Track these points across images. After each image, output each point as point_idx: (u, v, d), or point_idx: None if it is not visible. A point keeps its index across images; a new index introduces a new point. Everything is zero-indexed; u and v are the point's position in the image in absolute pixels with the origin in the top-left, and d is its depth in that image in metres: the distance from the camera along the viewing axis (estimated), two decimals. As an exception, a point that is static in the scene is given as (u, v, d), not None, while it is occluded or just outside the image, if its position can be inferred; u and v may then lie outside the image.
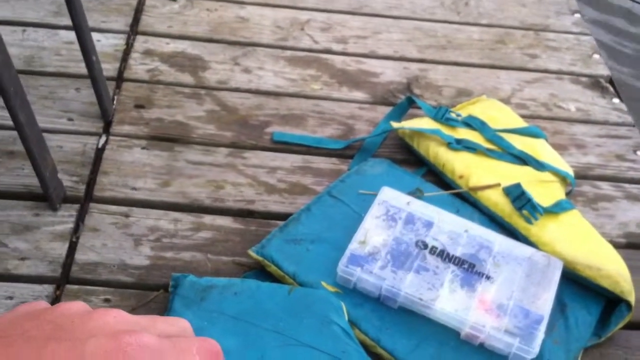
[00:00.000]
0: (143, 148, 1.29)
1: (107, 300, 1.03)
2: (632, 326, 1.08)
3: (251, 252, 1.09)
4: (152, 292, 1.05)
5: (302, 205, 1.20)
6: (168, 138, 1.32)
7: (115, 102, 1.38)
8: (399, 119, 1.40)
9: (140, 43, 1.53)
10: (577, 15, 1.79)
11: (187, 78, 1.47)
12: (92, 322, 0.39)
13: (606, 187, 1.32)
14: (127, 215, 1.16)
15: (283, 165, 1.29)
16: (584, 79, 1.59)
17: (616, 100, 1.52)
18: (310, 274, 1.06)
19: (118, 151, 1.27)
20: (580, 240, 1.14)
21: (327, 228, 1.14)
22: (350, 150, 1.34)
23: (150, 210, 1.18)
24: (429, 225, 1.13)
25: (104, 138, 1.30)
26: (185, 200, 1.21)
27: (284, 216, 1.19)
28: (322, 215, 1.17)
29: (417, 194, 1.20)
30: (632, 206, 1.28)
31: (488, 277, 1.06)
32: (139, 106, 1.38)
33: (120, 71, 1.45)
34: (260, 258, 1.08)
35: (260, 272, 1.09)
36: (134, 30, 1.56)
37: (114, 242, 1.12)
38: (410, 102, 1.42)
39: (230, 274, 1.09)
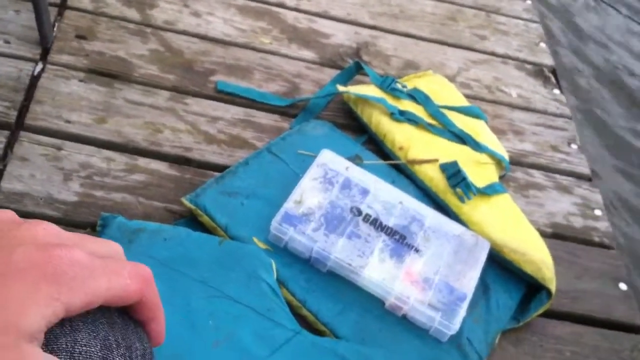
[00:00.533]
0: (81, 80, 1.24)
1: (29, 234, 0.99)
2: (549, 314, 1.11)
3: (184, 200, 1.07)
4: (78, 230, 1.01)
5: (240, 158, 1.18)
6: (108, 73, 1.27)
7: (55, 29, 1.32)
8: (345, 83, 1.39)
9: (87, -30, 1.46)
10: (529, 2, 1.82)
11: (133, 14, 1.41)
12: (21, 232, 0.37)
13: (538, 176, 1.35)
14: (59, 148, 1.12)
15: (224, 116, 1.27)
16: (528, 66, 1.62)
17: (557, 91, 1.56)
18: (242, 229, 1.05)
19: (54, 81, 1.22)
20: (509, 224, 1.16)
21: (263, 184, 1.13)
22: (293, 109, 1.33)
23: (83, 146, 1.14)
24: (365, 192, 1.13)
25: (40, 65, 1.24)
26: (121, 139, 1.17)
27: (221, 167, 1.17)
28: (259, 170, 1.15)
29: (356, 160, 1.20)
30: (561, 197, 1.32)
31: (417, 250, 1.07)
32: (80, 36, 1.32)
33: (64, -2, 1.39)
34: (193, 207, 1.06)
35: (192, 221, 1.07)
36: (81, -45, 1.48)
37: (42, 174, 1.07)
38: (358, 68, 1.41)
39: (161, 220, 1.06)
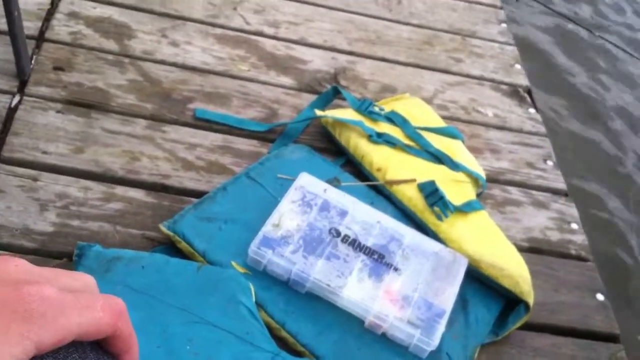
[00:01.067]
0: (58, 112, 1.25)
1: (6, 264, 0.99)
2: (528, 327, 1.12)
3: (162, 227, 1.07)
4: (54, 260, 1.01)
5: (218, 184, 1.19)
6: (85, 104, 1.28)
7: (33, 61, 1.33)
8: (323, 107, 1.41)
9: (65, 4, 1.47)
10: (504, 25, 1.85)
11: (111, 45, 1.43)
12: None
13: (515, 192, 1.36)
14: (35, 179, 1.12)
15: (203, 143, 1.28)
16: (503, 86, 1.64)
17: (532, 110, 1.58)
18: (220, 253, 1.05)
19: (31, 112, 1.23)
20: (486, 241, 1.17)
21: (242, 209, 1.13)
22: (271, 134, 1.34)
23: (60, 176, 1.14)
24: (343, 214, 1.14)
25: (17, 97, 1.25)
26: (98, 169, 1.17)
27: (199, 194, 1.17)
28: (238, 195, 1.16)
29: (334, 182, 1.21)
30: (537, 212, 1.33)
31: (396, 269, 1.08)
32: (58, 68, 1.33)
33: (42, 31, 1.40)
34: (171, 233, 1.06)
35: (170, 248, 1.07)
36: (59, -10, 1.50)
37: (18, 206, 1.07)
38: (336, 92, 1.42)
39: (139, 248, 1.06)
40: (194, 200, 1.15)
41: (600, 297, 1.20)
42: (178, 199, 1.17)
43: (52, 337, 0.35)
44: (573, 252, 1.28)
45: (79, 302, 0.37)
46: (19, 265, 0.38)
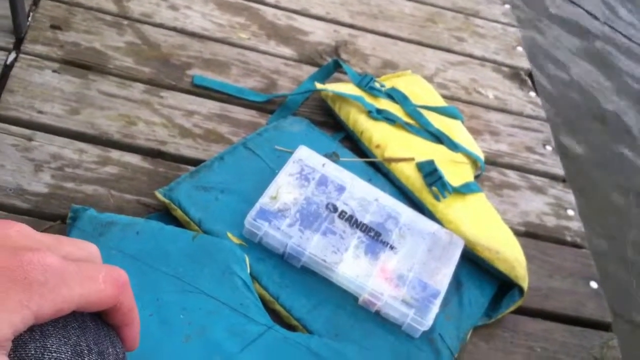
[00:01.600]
0: (54, 71, 1.22)
1: (-2, 224, 0.97)
2: (521, 311, 1.12)
3: (158, 194, 1.06)
4: (48, 222, 1.00)
5: (215, 153, 1.17)
6: (82, 64, 1.25)
7: (30, 19, 1.29)
8: (323, 80, 1.39)
9: (63, -39, 1.44)
10: (507, 6, 1.83)
11: (109, 5, 1.40)
12: None
13: (513, 176, 1.36)
14: (29, 139, 1.10)
15: (200, 110, 1.25)
16: (505, 68, 1.62)
17: (532, 94, 1.57)
18: (216, 223, 1.04)
19: (27, 71, 1.20)
20: (483, 223, 1.17)
21: (238, 179, 1.12)
22: (270, 105, 1.32)
23: (54, 137, 1.12)
24: (341, 189, 1.12)
25: (13, 55, 1.22)
26: (94, 131, 1.15)
27: (195, 162, 1.16)
28: (235, 165, 1.14)
29: (332, 157, 1.20)
30: (534, 197, 1.32)
31: (392, 247, 1.07)
32: (55, 27, 1.30)
33: (39, -13, 1.37)
34: (167, 201, 1.05)
35: (165, 215, 1.06)
36: (58, -54, 1.46)
37: (12, 165, 1.05)
38: (337, 66, 1.40)
39: (134, 214, 1.05)
40: (190, 168, 1.13)
41: (594, 284, 1.20)
42: (174, 165, 1.15)
43: (52, 307, 0.34)
44: (569, 238, 1.27)
45: (81, 272, 0.36)
46: (21, 231, 0.36)
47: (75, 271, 0.36)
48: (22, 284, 0.33)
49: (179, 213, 1.04)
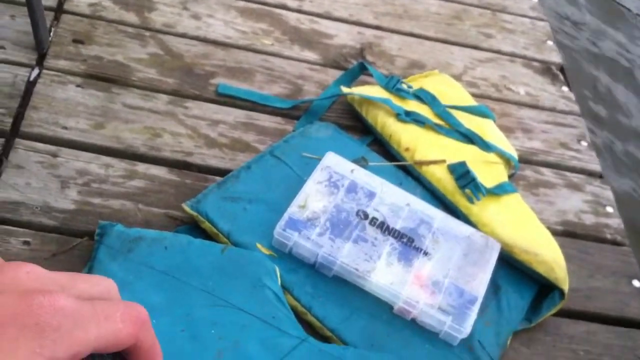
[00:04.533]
0: (78, 86, 1.21)
1: (26, 243, 0.96)
2: (562, 314, 1.08)
3: (185, 206, 1.04)
4: (75, 239, 0.98)
5: (242, 162, 1.15)
6: (106, 78, 1.24)
7: (52, 34, 1.29)
8: (349, 84, 1.36)
9: (84, -25, 1.43)
10: (535, 0, 1.78)
11: (131, 17, 1.39)
12: (2, 276, 0.34)
13: (548, 174, 1.32)
14: (55, 155, 1.09)
15: (226, 120, 1.24)
16: (535, 63, 1.58)
17: (565, 89, 1.52)
18: (245, 235, 1.02)
19: (51, 86, 1.19)
20: (520, 224, 1.13)
21: (266, 189, 1.10)
22: (296, 111, 1.29)
23: (80, 152, 1.11)
24: (371, 195, 1.10)
25: (36, 71, 1.21)
26: (119, 145, 1.14)
27: (222, 172, 1.14)
28: (262, 174, 1.12)
29: (361, 162, 1.17)
30: (571, 195, 1.28)
31: (426, 253, 1.04)
32: (77, 41, 1.29)
33: (61, 2, 1.36)
34: (194, 213, 1.03)
35: (194, 227, 1.04)
36: (78, -40, 1.46)
37: (38, 182, 1.04)
38: (362, 69, 1.38)
39: (161, 227, 1.03)
40: (217, 178, 1.12)
41: (636, 283, 1.16)
42: (201, 177, 1.13)
43: (66, 352, 0.31)
44: (608, 236, 1.23)
45: (96, 311, 0.33)
46: (31, 272, 0.34)
47: (91, 311, 0.33)
48: (33, 330, 0.31)
49: (207, 225, 1.02)
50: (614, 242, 1.23)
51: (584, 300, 1.12)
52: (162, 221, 1.05)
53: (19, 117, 1.13)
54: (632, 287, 1.16)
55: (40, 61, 1.23)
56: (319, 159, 1.13)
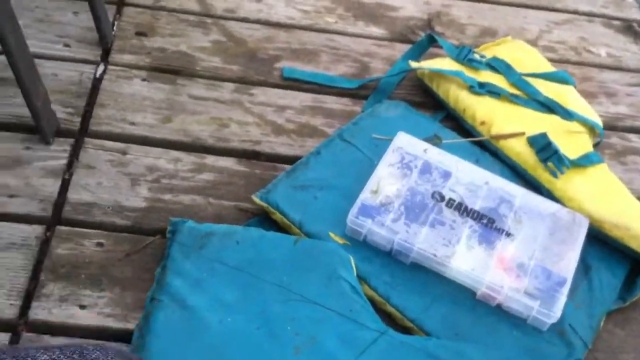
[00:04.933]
0: (143, 80, 1.20)
1: (99, 244, 0.96)
2: (658, 291, 1.01)
3: (255, 198, 1.02)
4: (148, 237, 0.98)
5: (311, 148, 1.12)
6: (170, 70, 1.23)
7: (115, 28, 1.29)
8: (417, 58, 1.31)
9: (143, -35, 1.42)
10: (612, -48, 1.67)
11: (192, 5, 1.37)
12: None
13: (636, 140, 1.24)
14: (124, 153, 1.08)
15: (292, 104, 1.21)
16: (616, 22, 1.49)
17: (650, 47, 1.43)
18: (317, 224, 0.99)
19: (117, 82, 1.19)
20: (608, 197, 1.06)
21: (337, 174, 1.07)
22: (364, 90, 1.25)
23: (149, 148, 1.10)
24: (446, 175, 1.05)
25: (102, 67, 1.21)
26: (187, 138, 1.13)
27: (291, 159, 1.11)
28: (332, 160, 1.09)
29: (434, 140, 1.12)
30: (663, 161, 1.20)
31: (508, 234, 0.99)
32: (140, 34, 1.28)
33: (122, -5, 1.36)
34: (264, 204, 1.01)
35: (265, 219, 1.02)
36: (136, -49, 1.45)
37: (109, 182, 1.04)
38: (431, 41, 1.32)
39: (232, 220, 1.02)
40: (286, 166, 1.09)
41: None
42: (270, 165, 1.11)
43: None
44: None
45: None
46: None
47: None
48: None
49: (278, 216, 1.00)
50: None
51: (683, 275, 1.05)
52: (233, 214, 1.03)
53: (87, 115, 1.13)
54: None
55: (105, 57, 1.23)
56: (390, 140, 1.08)
